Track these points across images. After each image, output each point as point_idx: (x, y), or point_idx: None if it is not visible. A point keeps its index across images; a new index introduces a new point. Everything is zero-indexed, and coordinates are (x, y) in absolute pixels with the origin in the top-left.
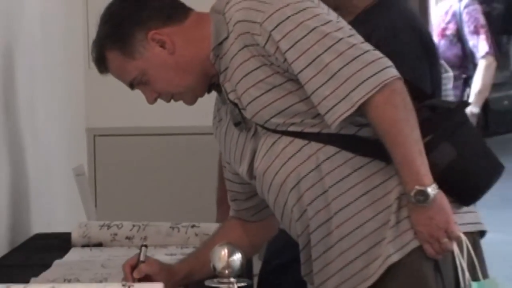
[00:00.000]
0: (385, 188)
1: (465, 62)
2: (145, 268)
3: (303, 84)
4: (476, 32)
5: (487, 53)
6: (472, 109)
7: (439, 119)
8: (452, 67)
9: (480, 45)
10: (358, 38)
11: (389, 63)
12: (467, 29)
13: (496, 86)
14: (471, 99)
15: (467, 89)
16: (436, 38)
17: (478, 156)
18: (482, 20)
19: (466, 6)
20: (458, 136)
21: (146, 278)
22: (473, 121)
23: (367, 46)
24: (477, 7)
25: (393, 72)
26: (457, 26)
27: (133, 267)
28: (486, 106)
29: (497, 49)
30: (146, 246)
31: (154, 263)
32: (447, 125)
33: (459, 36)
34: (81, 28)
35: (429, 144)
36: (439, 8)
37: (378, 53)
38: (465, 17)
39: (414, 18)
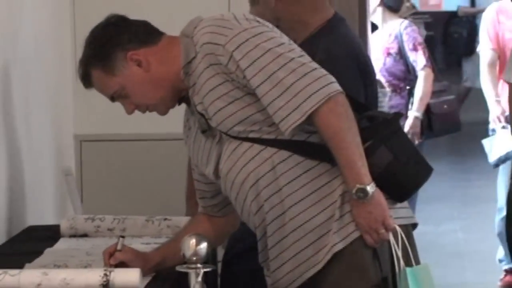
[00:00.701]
0: (330, 186)
1: (408, 76)
2: (120, 256)
3: (260, 97)
4: (414, 49)
5: (425, 66)
6: (415, 114)
7: (377, 128)
8: (398, 80)
9: (418, 59)
10: (306, 58)
11: (333, 79)
12: (407, 47)
13: (436, 93)
14: (414, 106)
15: (411, 99)
16: (382, 56)
17: (410, 160)
18: (419, 38)
19: (405, 28)
20: (394, 142)
21: (123, 265)
22: (418, 124)
23: (314, 64)
24: (415, 28)
25: (337, 87)
26: (399, 45)
27: (111, 255)
28: (428, 111)
29: (433, 62)
30: (123, 237)
31: (130, 251)
32: (384, 133)
33: (401, 54)
34: (69, 48)
35: (368, 149)
36: (384, 31)
37: (323, 71)
38: (405, 37)
39: (351, 43)
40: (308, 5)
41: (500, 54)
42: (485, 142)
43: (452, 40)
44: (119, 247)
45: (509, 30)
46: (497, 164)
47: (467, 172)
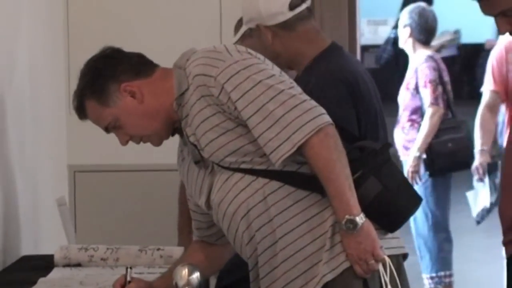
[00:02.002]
0: (321, 217)
1: (421, 111)
2: (132, 286)
3: (251, 128)
4: (425, 85)
5: (431, 104)
6: (415, 154)
7: (366, 158)
8: (415, 115)
9: (425, 97)
10: (297, 90)
11: (323, 110)
12: (420, 84)
13: (444, 130)
14: (415, 145)
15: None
16: (403, 90)
17: (400, 190)
18: (431, 75)
19: (422, 63)
20: (383, 172)
21: None
22: (418, 163)
23: (305, 96)
24: (430, 64)
25: (327, 118)
26: (416, 81)
27: (122, 286)
28: (430, 150)
29: (443, 100)
30: (131, 268)
31: (140, 282)
32: (373, 163)
33: (417, 89)
34: (63, 79)
35: (358, 179)
36: (411, 64)
37: (313, 102)
38: (419, 74)
39: (344, 71)
40: (304, 38)
41: (505, 96)
42: (469, 195)
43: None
44: (128, 278)
45: None
46: (478, 222)
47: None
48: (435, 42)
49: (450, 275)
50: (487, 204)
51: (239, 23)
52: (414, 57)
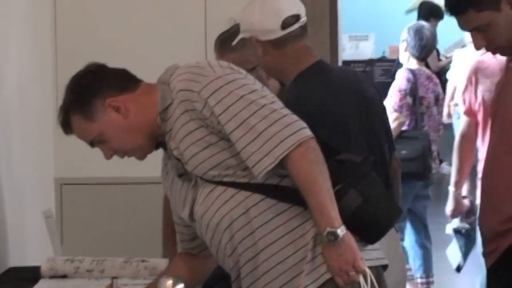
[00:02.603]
0: (303, 229)
1: None
2: None
3: (234, 142)
4: (394, 93)
5: (394, 110)
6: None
7: (346, 171)
8: None
9: (391, 103)
10: (279, 104)
11: (304, 125)
12: (391, 91)
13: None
14: None
15: None
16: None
17: (380, 202)
18: (402, 85)
19: (399, 74)
20: (363, 185)
21: None
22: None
23: (286, 110)
24: (406, 75)
25: (308, 132)
26: None
27: None
28: None
29: (409, 110)
30: (116, 278)
31: None
32: (354, 176)
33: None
34: (51, 94)
35: (339, 192)
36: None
37: (294, 117)
38: (394, 82)
39: (320, 90)
40: (292, 56)
41: (476, 119)
42: (448, 252)
43: None
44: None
45: (490, 91)
46: (458, 270)
47: (439, 216)
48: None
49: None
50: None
51: (218, 40)
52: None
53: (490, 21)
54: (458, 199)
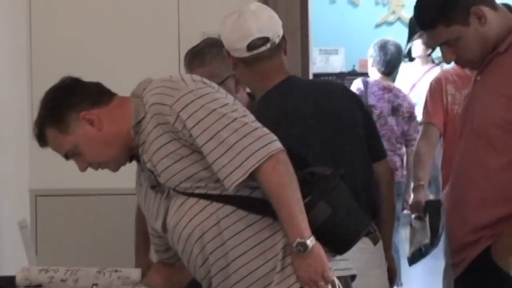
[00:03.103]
0: (273, 240)
1: None
2: None
3: (206, 155)
4: None
5: None
6: None
7: (316, 183)
8: None
9: None
10: (250, 117)
11: (275, 137)
12: None
13: None
14: None
15: None
16: None
17: (349, 213)
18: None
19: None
20: (333, 196)
21: None
22: None
23: (257, 124)
24: (357, 86)
25: (278, 145)
26: None
27: None
28: None
29: None
30: (96, 284)
31: None
32: (324, 188)
33: None
34: (26, 108)
35: (309, 203)
36: None
37: (265, 130)
38: None
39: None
40: (259, 75)
41: (443, 129)
42: (405, 233)
43: None
44: None
45: (459, 104)
46: (410, 262)
47: None
48: None
49: None
50: (423, 245)
51: (188, 55)
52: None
53: (459, 36)
54: (421, 201)
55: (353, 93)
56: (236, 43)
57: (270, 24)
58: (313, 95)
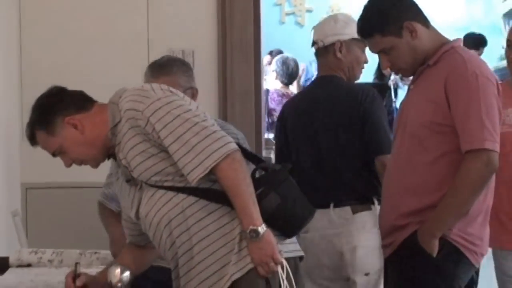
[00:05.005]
0: (231, 225)
1: None
2: (83, 279)
3: (172, 154)
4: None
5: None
6: None
7: (268, 177)
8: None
9: None
10: (209, 122)
11: (230, 139)
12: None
13: None
14: None
15: None
16: None
17: (296, 202)
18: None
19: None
20: (282, 188)
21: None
22: None
23: (216, 127)
24: (265, 97)
25: (233, 146)
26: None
27: (73, 278)
28: None
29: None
30: (79, 263)
31: (87, 275)
32: (274, 181)
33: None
34: (17, 113)
35: (261, 194)
36: None
37: (223, 133)
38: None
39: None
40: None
41: None
42: None
43: None
44: (78, 271)
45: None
46: None
47: None
48: None
49: None
50: None
51: (152, 67)
52: None
53: (393, 46)
54: None
55: (357, 95)
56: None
57: (319, 31)
58: (311, 97)
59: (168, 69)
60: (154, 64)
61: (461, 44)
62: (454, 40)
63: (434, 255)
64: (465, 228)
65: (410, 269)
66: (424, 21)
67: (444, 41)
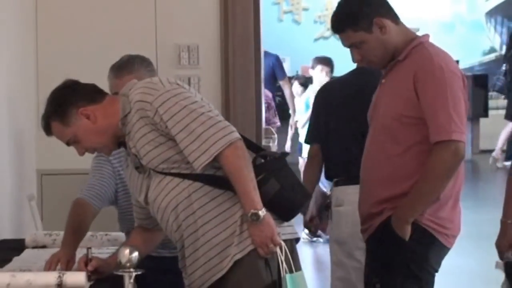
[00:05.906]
0: (233, 209)
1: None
2: (95, 263)
3: (178, 142)
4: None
5: None
6: None
7: (267, 164)
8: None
9: None
10: (214, 112)
11: (233, 128)
12: None
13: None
14: None
15: None
16: None
17: (294, 188)
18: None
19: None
20: (281, 175)
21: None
22: None
23: (220, 117)
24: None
25: (236, 135)
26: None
27: (85, 262)
28: None
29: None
30: (90, 248)
31: (98, 259)
32: (274, 167)
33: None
34: (33, 105)
35: (261, 180)
36: None
37: (226, 122)
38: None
39: None
40: None
41: None
42: None
43: None
44: (89, 256)
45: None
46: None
47: None
48: None
49: None
50: None
51: (114, 67)
52: None
53: (364, 40)
54: None
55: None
56: None
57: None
58: (348, 85)
59: (129, 67)
60: (115, 66)
61: (429, 40)
62: (422, 36)
63: (407, 239)
64: (436, 213)
65: (385, 252)
66: (394, 18)
67: (413, 37)
